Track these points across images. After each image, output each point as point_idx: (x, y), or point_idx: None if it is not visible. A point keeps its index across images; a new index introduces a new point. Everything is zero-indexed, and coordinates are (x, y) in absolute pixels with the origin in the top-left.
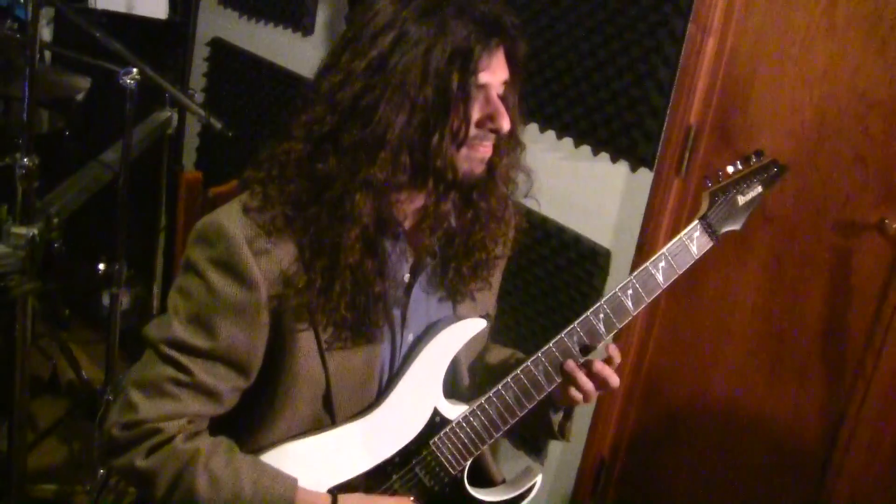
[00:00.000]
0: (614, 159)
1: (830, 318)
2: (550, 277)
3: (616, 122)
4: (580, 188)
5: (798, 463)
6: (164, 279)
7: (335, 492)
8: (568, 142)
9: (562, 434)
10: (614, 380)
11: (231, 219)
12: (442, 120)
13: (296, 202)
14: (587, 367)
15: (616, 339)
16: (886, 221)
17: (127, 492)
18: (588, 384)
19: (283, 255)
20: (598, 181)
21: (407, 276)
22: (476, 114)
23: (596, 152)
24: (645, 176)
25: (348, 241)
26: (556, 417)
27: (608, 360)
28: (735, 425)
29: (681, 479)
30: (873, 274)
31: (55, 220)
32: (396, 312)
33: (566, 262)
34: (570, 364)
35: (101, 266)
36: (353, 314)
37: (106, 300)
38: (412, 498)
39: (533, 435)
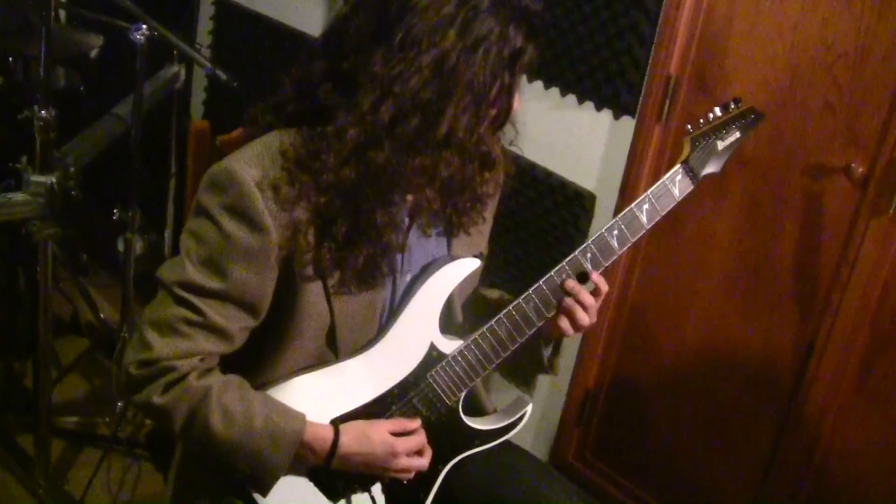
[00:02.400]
0: (598, 108)
1: (800, 256)
2: (538, 220)
3: (600, 73)
4: (566, 135)
5: (769, 390)
6: (175, 224)
7: (337, 422)
8: (554, 92)
9: (550, 368)
10: (593, 308)
11: (243, 165)
12: (493, 114)
13: (334, 184)
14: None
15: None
16: (853, 166)
17: (144, 423)
18: (590, 299)
19: (295, 202)
20: (583, 129)
21: (406, 220)
22: (515, 104)
23: (581, 101)
24: (627, 123)
25: (372, 204)
26: (546, 352)
27: (595, 291)
28: (711, 357)
29: (661, 407)
30: (840, 215)
31: (72, 170)
32: (397, 257)
33: (553, 205)
34: (571, 282)
35: (116, 213)
36: (363, 265)
37: (121, 245)
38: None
39: (524, 369)
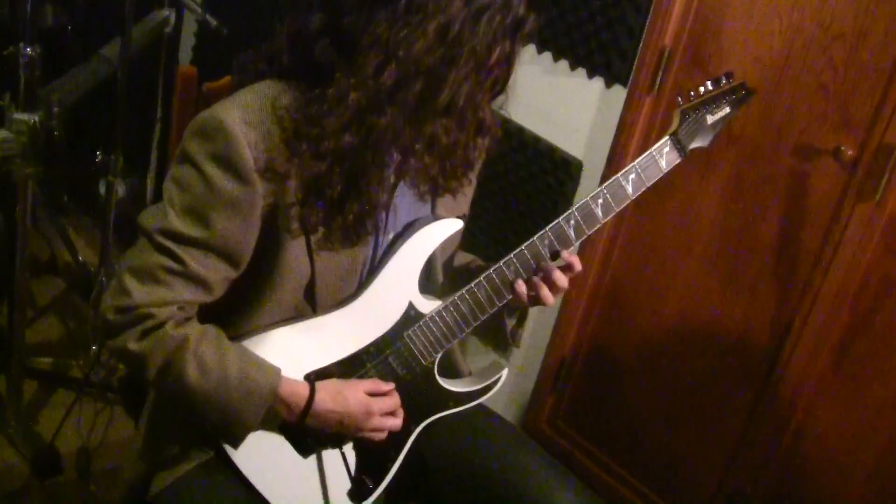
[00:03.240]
0: (590, 75)
1: (784, 236)
2: (524, 184)
3: (594, 41)
4: (557, 101)
5: (745, 368)
6: (158, 170)
7: (312, 378)
8: (547, 57)
9: (513, 339)
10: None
11: (232, 114)
12: (492, 82)
13: (333, 150)
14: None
15: (583, 247)
16: (842, 148)
17: (117, 368)
18: (564, 282)
19: (282, 155)
20: (574, 95)
21: (392, 178)
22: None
23: (573, 68)
24: (618, 92)
25: (369, 169)
26: (511, 322)
27: (567, 268)
28: (689, 331)
29: (636, 379)
30: (826, 197)
31: (56, 109)
32: (381, 215)
33: (540, 170)
34: (535, 280)
35: (99, 156)
36: (349, 223)
37: (102, 188)
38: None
39: (485, 340)
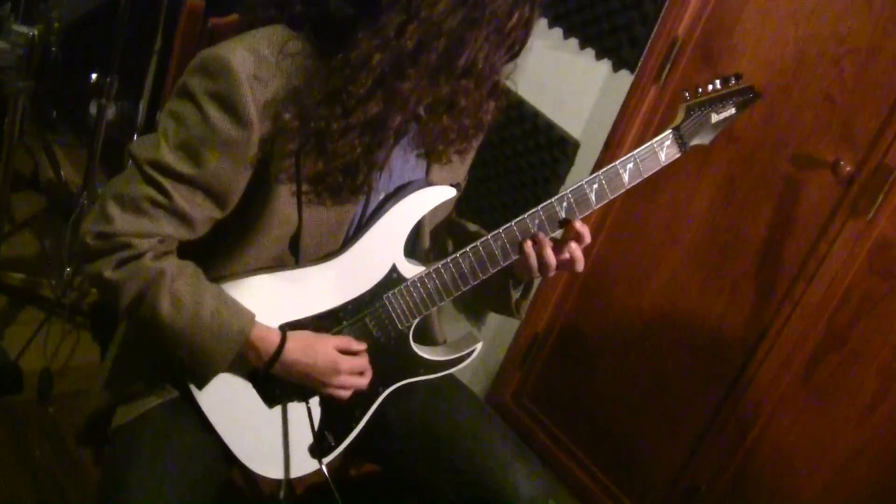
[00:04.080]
0: (598, 57)
1: (771, 242)
2: (518, 157)
3: (607, 22)
4: (561, 78)
5: (716, 368)
6: (151, 98)
7: (285, 328)
8: (557, 32)
9: (517, 310)
10: (580, 260)
11: (239, 56)
12: (511, 46)
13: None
14: (557, 244)
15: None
16: (841, 163)
17: (89, 292)
18: (551, 258)
19: (286, 103)
20: (579, 75)
21: (392, 138)
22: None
23: (582, 47)
24: (624, 78)
25: (384, 134)
26: (516, 293)
27: (578, 238)
28: (665, 324)
29: (606, 365)
30: (818, 208)
31: (56, 25)
32: (375, 174)
33: (536, 145)
34: (541, 236)
35: (94, 76)
36: (342, 179)
37: (93, 109)
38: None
39: (489, 305)
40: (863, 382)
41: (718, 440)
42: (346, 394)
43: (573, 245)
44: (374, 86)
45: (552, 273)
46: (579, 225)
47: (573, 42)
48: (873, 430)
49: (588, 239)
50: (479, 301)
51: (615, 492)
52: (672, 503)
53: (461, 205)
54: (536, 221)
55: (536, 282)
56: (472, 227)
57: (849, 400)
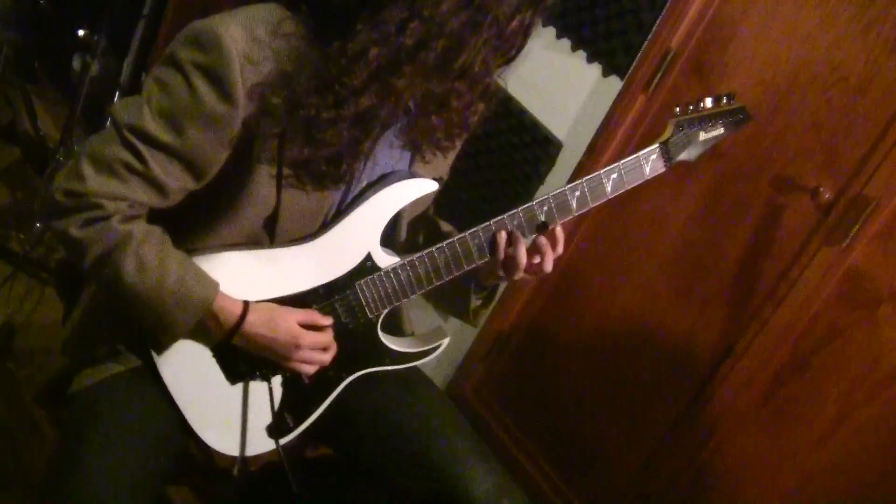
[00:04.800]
0: (590, 60)
1: (745, 261)
2: (500, 152)
3: (602, 26)
4: (551, 78)
5: (679, 381)
6: (136, 59)
7: (249, 301)
8: (551, 31)
9: (473, 316)
10: (549, 265)
11: (232, 31)
12: (507, 51)
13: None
14: (530, 247)
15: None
16: (821, 190)
17: (57, 249)
18: (522, 258)
19: (275, 87)
20: (569, 76)
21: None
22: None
23: (575, 48)
24: (614, 83)
25: (374, 123)
26: (476, 300)
27: (553, 244)
28: (632, 332)
29: (569, 368)
30: (795, 233)
31: None
32: (359, 163)
33: (519, 142)
34: (517, 234)
35: (81, 32)
36: (327, 166)
37: (76, 63)
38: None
39: (449, 308)
40: (821, 410)
41: (674, 452)
42: (308, 369)
43: (547, 250)
44: (368, 79)
45: (519, 275)
46: (558, 231)
47: (566, 43)
48: (826, 458)
49: (562, 249)
50: (440, 304)
51: (567, 493)
52: None
53: (438, 194)
54: (515, 222)
55: (500, 290)
56: (446, 226)
57: (805, 425)
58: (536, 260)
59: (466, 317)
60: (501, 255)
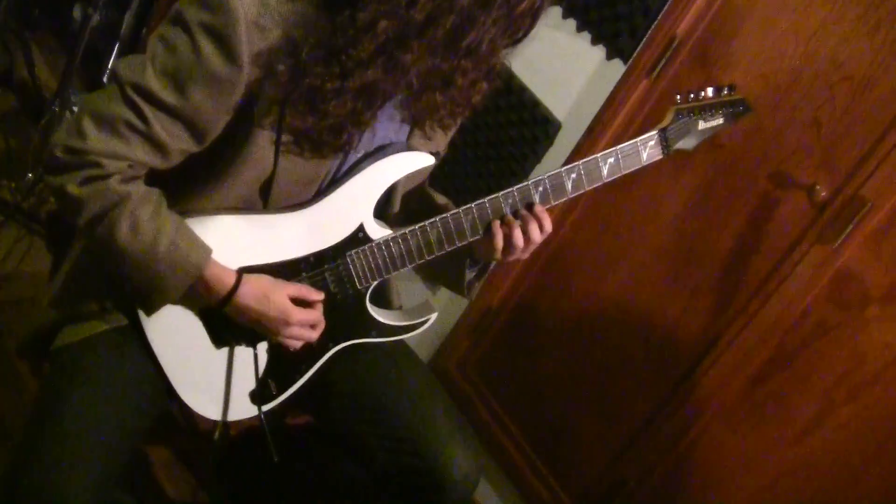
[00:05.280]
0: (594, 42)
1: (737, 254)
2: (499, 129)
3: (608, 9)
4: (554, 58)
5: (662, 368)
6: (137, 12)
7: (242, 272)
8: (557, 11)
9: (468, 291)
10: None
11: None
12: (514, 32)
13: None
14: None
15: None
16: (818, 187)
17: (48, 200)
18: (519, 240)
19: (281, 55)
20: (572, 57)
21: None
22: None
23: (580, 30)
24: (617, 67)
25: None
26: (470, 273)
27: (540, 224)
28: (619, 318)
29: (555, 348)
30: (788, 229)
31: None
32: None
33: (518, 120)
34: (511, 218)
35: None
36: (325, 134)
37: (77, 13)
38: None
39: (442, 280)
40: (802, 406)
41: (654, 439)
42: (295, 344)
43: (535, 230)
44: (375, 52)
45: (514, 257)
46: (541, 210)
47: (571, 23)
48: (804, 454)
49: (549, 227)
50: (433, 274)
51: (544, 473)
52: (599, 493)
53: (434, 168)
54: (510, 201)
55: (493, 265)
56: (442, 199)
57: (786, 421)
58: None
59: (460, 290)
60: (498, 238)
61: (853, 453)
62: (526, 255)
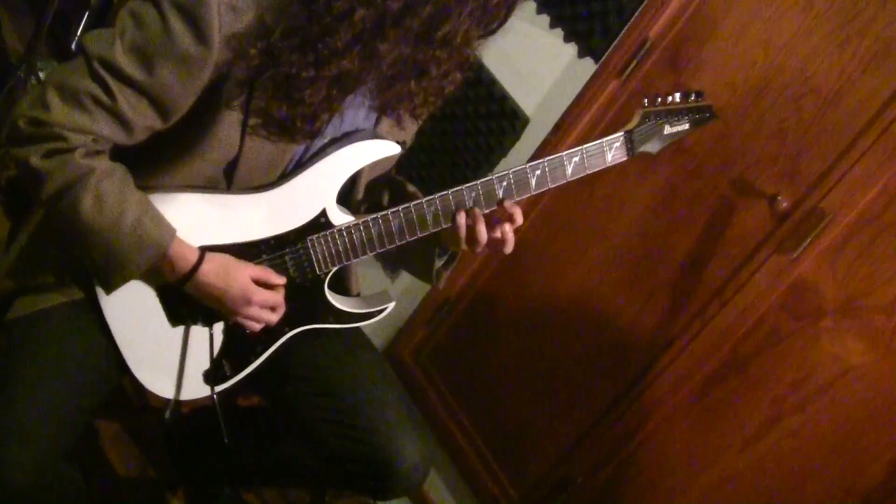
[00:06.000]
0: (567, 39)
1: (696, 259)
2: (466, 119)
3: (583, 7)
4: (526, 52)
5: (617, 367)
6: None
7: (205, 250)
8: (532, 5)
9: (437, 278)
10: (510, 242)
11: None
12: (488, 24)
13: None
14: (489, 221)
15: None
16: (779, 198)
17: (7, 167)
18: (483, 235)
19: (253, 39)
20: (544, 53)
21: None
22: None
23: (553, 26)
24: (588, 65)
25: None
26: (439, 261)
27: (511, 219)
28: (576, 315)
29: (510, 342)
30: (748, 237)
31: None
32: (325, 116)
33: (486, 112)
34: (476, 211)
35: None
36: (301, 122)
37: None
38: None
39: (410, 267)
40: (752, 413)
41: (603, 438)
42: (254, 326)
43: (506, 226)
44: (352, 41)
45: (479, 249)
46: (511, 205)
47: (545, 19)
48: (751, 460)
49: (520, 220)
50: (401, 261)
51: (493, 466)
52: (546, 489)
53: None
54: (473, 195)
55: (461, 254)
56: (411, 188)
57: (735, 426)
58: (497, 235)
59: (428, 277)
60: (462, 230)
61: (799, 462)
62: (503, 250)
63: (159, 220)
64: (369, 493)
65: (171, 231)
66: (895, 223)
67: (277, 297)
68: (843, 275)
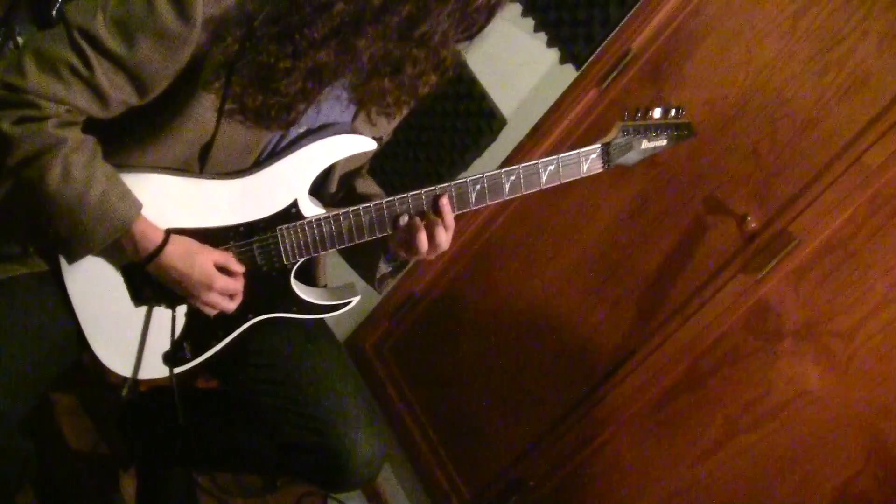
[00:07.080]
0: (550, 44)
1: (662, 272)
2: (444, 117)
3: (568, 13)
4: (507, 54)
5: (576, 374)
6: None
7: (170, 232)
8: (517, 8)
9: (379, 285)
10: (443, 246)
11: None
12: (468, 28)
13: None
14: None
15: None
16: (749, 218)
17: None
18: (424, 243)
19: (231, 26)
20: (526, 56)
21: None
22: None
23: (537, 30)
24: (569, 72)
25: (326, 76)
26: (385, 267)
27: (445, 223)
28: (540, 319)
29: (473, 342)
30: (715, 254)
31: None
32: (302, 105)
33: (465, 111)
34: (417, 221)
35: None
36: (277, 112)
37: None
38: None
39: (358, 268)
40: (706, 428)
41: (558, 443)
42: (211, 311)
43: (440, 231)
44: (329, 34)
45: (417, 257)
46: (445, 202)
47: (529, 22)
48: (702, 476)
49: (451, 223)
50: (349, 260)
51: (447, 463)
52: (498, 490)
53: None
54: (447, 194)
55: (411, 263)
56: (376, 189)
57: (689, 441)
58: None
59: (371, 281)
60: (400, 233)
61: (750, 480)
62: (438, 252)
63: (126, 196)
64: (321, 485)
65: (138, 207)
66: (860, 252)
67: (237, 286)
68: (806, 299)
